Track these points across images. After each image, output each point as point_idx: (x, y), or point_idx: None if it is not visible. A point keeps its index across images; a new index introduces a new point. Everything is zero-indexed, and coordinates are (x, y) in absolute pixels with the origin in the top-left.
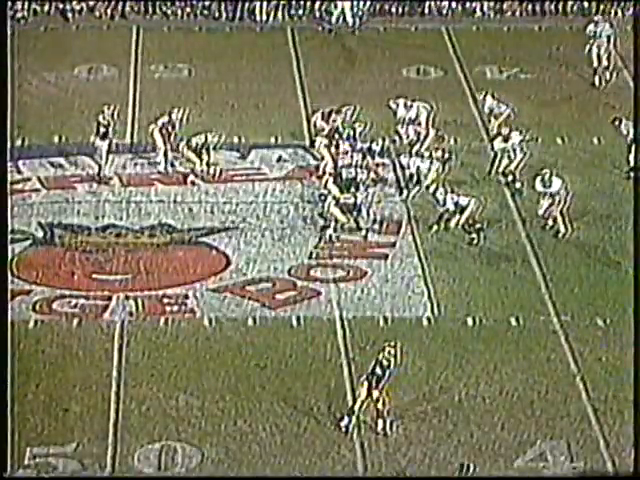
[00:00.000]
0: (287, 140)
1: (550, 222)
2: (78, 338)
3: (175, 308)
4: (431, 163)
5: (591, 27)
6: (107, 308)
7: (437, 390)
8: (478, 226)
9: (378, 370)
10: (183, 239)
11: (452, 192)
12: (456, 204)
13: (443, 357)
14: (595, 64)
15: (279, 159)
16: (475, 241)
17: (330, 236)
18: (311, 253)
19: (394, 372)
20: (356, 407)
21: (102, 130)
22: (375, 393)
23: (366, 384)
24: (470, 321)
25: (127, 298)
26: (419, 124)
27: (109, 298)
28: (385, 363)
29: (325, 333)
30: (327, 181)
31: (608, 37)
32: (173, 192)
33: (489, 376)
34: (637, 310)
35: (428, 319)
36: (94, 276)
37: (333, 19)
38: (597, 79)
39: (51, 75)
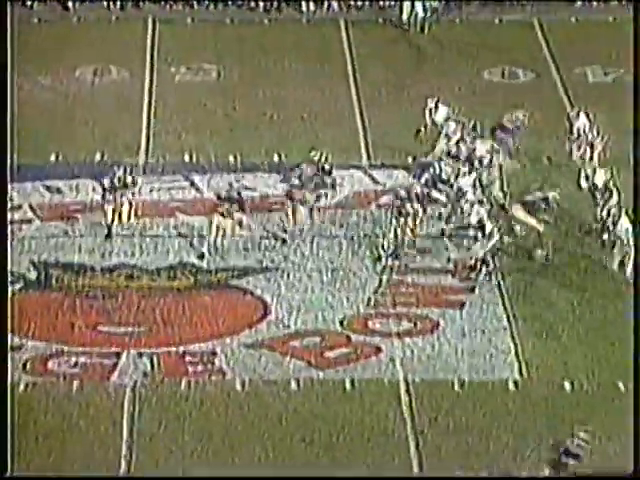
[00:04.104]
0: (340, 159)
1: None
2: (79, 405)
3: (200, 368)
4: None
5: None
6: (115, 368)
7: (528, 469)
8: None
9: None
10: (210, 282)
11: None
12: None
13: (534, 430)
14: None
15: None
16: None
17: (393, 277)
18: (369, 300)
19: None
20: None
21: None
22: None
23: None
24: (568, 385)
25: (140, 355)
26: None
27: (118, 355)
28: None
29: (386, 399)
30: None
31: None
32: (198, 224)
33: (592, 453)
34: (637, 311)
35: (515, 383)
36: (99, 328)
37: (404, 17)
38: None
39: (47, 78)
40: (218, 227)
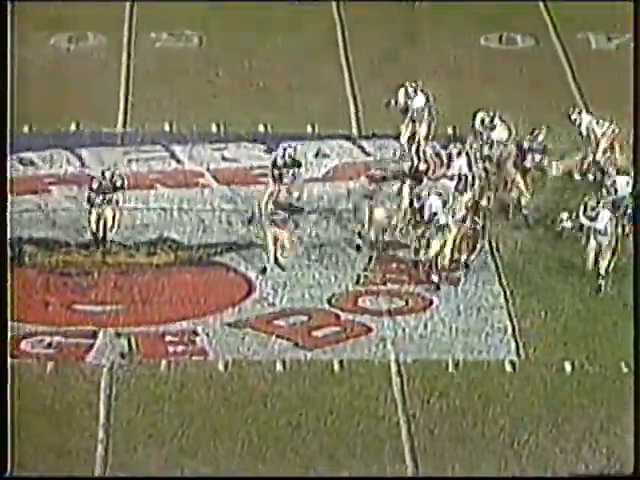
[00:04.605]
0: (328, 130)
1: None
2: (54, 387)
3: (180, 348)
4: None
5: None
6: (91, 348)
7: (526, 455)
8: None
9: None
10: (191, 258)
11: None
12: None
13: (532, 413)
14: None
15: (317, 154)
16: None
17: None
18: (359, 277)
19: None
20: None
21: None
22: None
23: None
24: (568, 366)
25: (118, 335)
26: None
27: (94, 335)
28: None
29: (377, 381)
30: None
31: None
32: (178, 197)
33: (593, 438)
34: (637, 310)
35: (512, 363)
36: (75, 306)
37: None
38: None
39: (20, 46)
40: (276, 239)
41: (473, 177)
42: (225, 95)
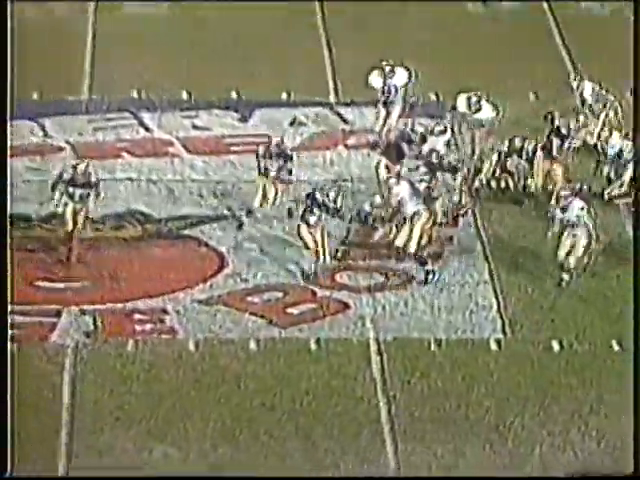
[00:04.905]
0: (304, 96)
1: None
2: (17, 368)
3: (149, 326)
4: None
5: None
6: (55, 327)
7: (512, 437)
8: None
9: None
10: (160, 231)
11: None
12: None
13: (519, 394)
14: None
15: (293, 122)
16: None
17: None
18: (336, 251)
19: None
20: None
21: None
22: None
23: None
24: (556, 345)
25: (83, 313)
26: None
27: (58, 313)
28: None
29: (355, 361)
30: None
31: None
32: (147, 166)
33: (582, 420)
34: (637, 309)
35: (498, 342)
36: (37, 283)
37: None
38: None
39: None
40: (316, 243)
41: (458, 158)
42: (196, 61)
